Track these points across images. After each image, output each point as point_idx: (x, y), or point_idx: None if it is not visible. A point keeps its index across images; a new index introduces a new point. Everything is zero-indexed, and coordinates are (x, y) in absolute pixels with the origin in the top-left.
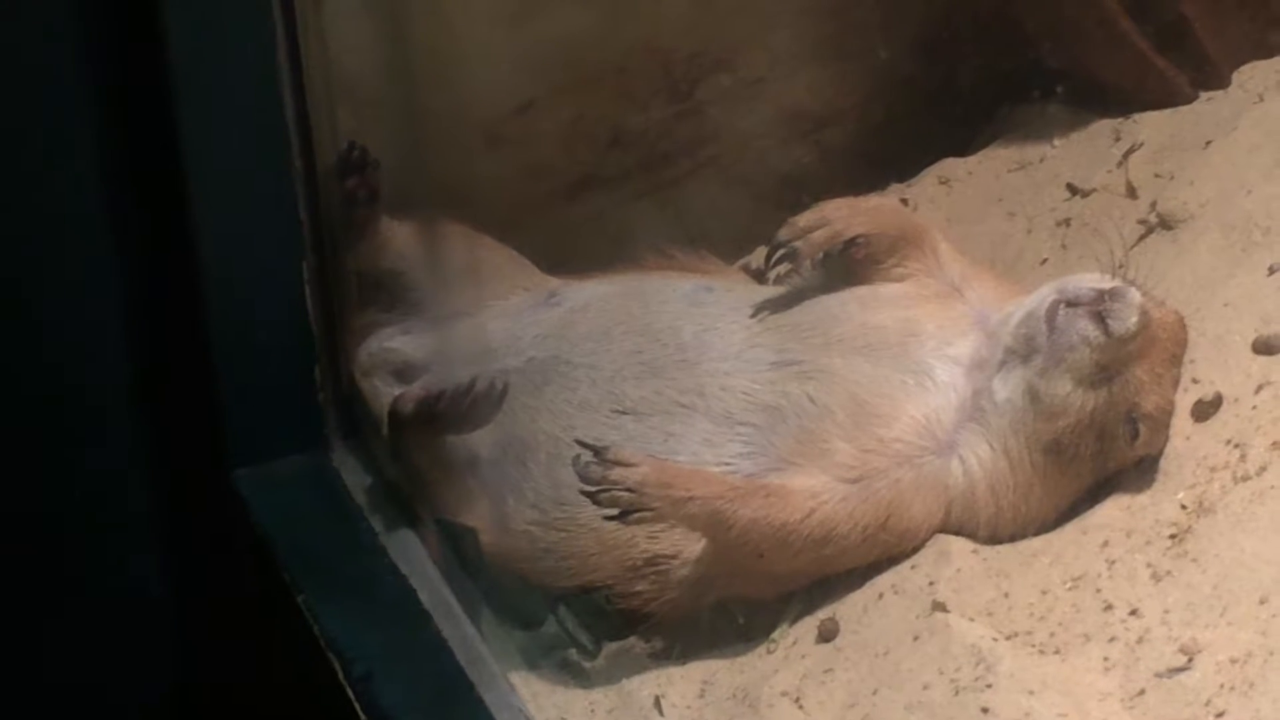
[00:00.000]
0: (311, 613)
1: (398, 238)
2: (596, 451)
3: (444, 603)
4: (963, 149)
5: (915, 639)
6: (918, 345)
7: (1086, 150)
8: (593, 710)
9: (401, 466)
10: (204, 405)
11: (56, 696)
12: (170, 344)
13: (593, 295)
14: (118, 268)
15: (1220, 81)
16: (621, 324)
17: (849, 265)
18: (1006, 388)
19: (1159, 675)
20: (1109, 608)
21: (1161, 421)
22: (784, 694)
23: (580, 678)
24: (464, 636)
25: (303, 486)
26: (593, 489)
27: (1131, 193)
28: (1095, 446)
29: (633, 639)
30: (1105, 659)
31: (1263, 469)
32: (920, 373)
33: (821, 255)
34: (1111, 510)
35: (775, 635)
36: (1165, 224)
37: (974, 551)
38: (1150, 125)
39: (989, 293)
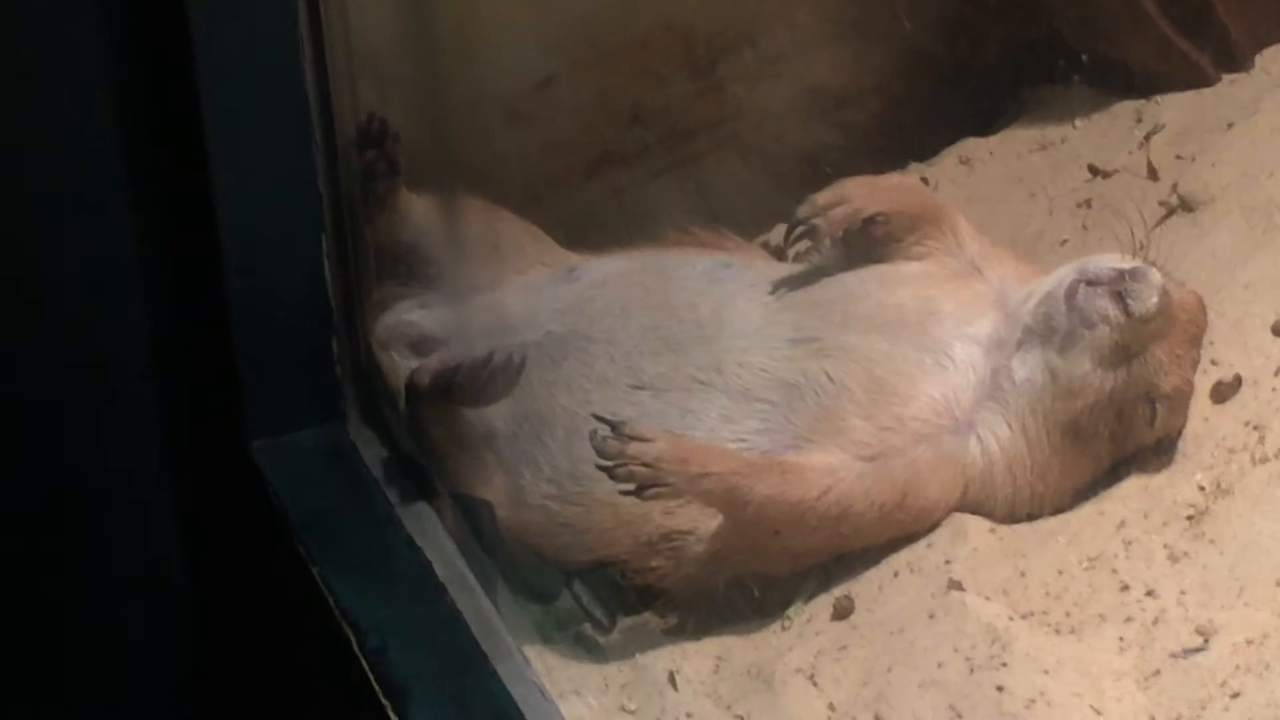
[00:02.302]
0: (326, 584)
1: (417, 211)
2: (613, 426)
3: (459, 576)
4: (984, 128)
5: (931, 617)
6: (936, 324)
7: (1108, 131)
8: (607, 684)
9: (418, 440)
10: (222, 377)
11: (73, 664)
12: (189, 316)
13: (611, 271)
14: (138, 240)
15: (1243, 64)
16: (640, 300)
17: (868, 243)
18: (1025, 367)
19: (1174, 656)
20: (1125, 588)
21: (1180, 402)
22: (798, 671)
23: (595, 652)
24: (479, 610)
25: (319, 459)
26: (609, 464)
27: (1153, 174)
28: (1113, 427)
29: (647, 614)
30: (1121, 639)
31: None
32: (939, 351)
33: (841, 233)
34: (1129, 491)
35: (790, 612)
36: (1186, 206)
37: (990, 530)
38: (1172, 107)
39: (1009, 272)
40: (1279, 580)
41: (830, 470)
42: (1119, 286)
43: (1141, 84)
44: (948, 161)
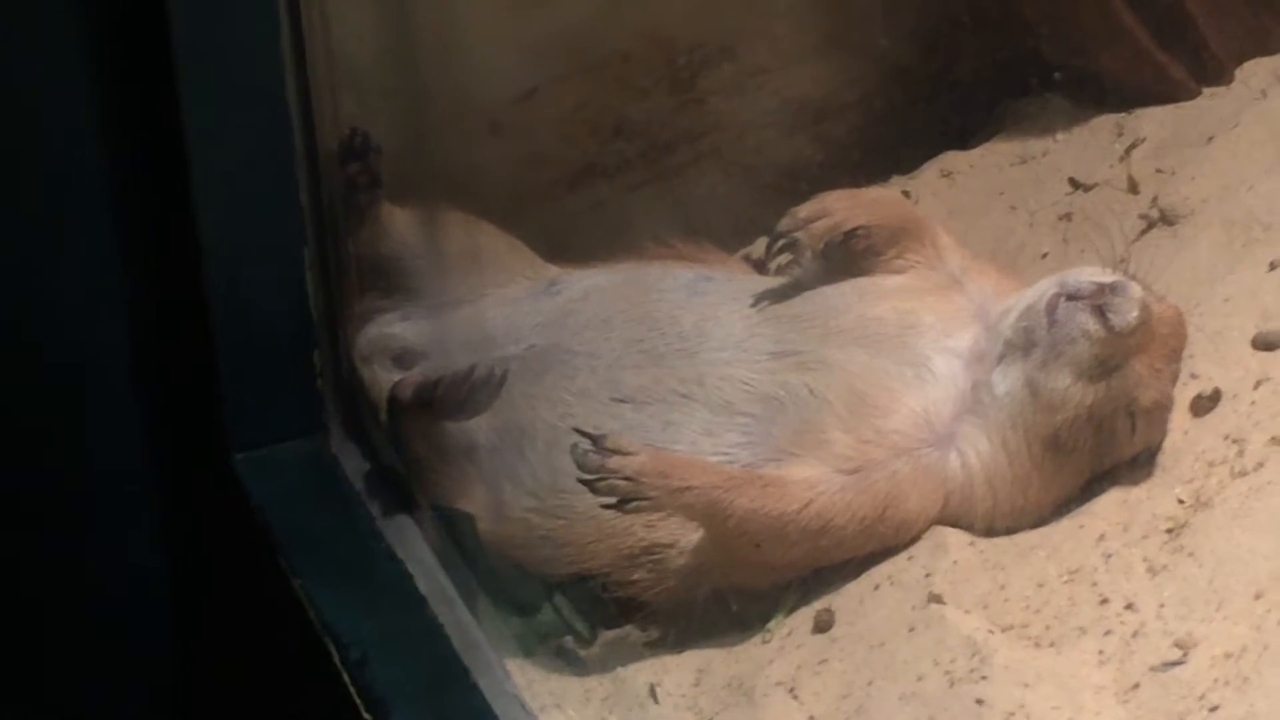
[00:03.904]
0: (308, 597)
1: (399, 224)
2: (595, 440)
3: (440, 589)
4: (965, 142)
5: (911, 630)
6: (917, 337)
7: (1089, 145)
8: (588, 697)
9: (399, 452)
10: (204, 390)
11: (56, 674)
12: (172, 329)
13: (593, 284)
14: (120, 253)
15: (1223, 77)
16: (621, 313)
17: (849, 256)
18: (1006, 380)
19: (1154, 669)
20: (1105, 601)
21: (1160, 416)
22: (779, 684)
23: (576, 665)
24: (460, 622)
25: (301, 471)
26: (590, 477)
27: (1133, 187)
28: (1093, 440)
29: (629, 627)
30: (1100, 652)
31: (1260, 464)
32: (919, 365)
33: (822, 246)
34: (1108, 504)
35: (771, 625)
36: (1166, 219)
37: (970, 544)
38: (1152, 120)
39: (989, 286)
40: (1258, 594)
41: (811, 483)
42: (1099, 300)
43: (1122, 98)
44: (929, 174)
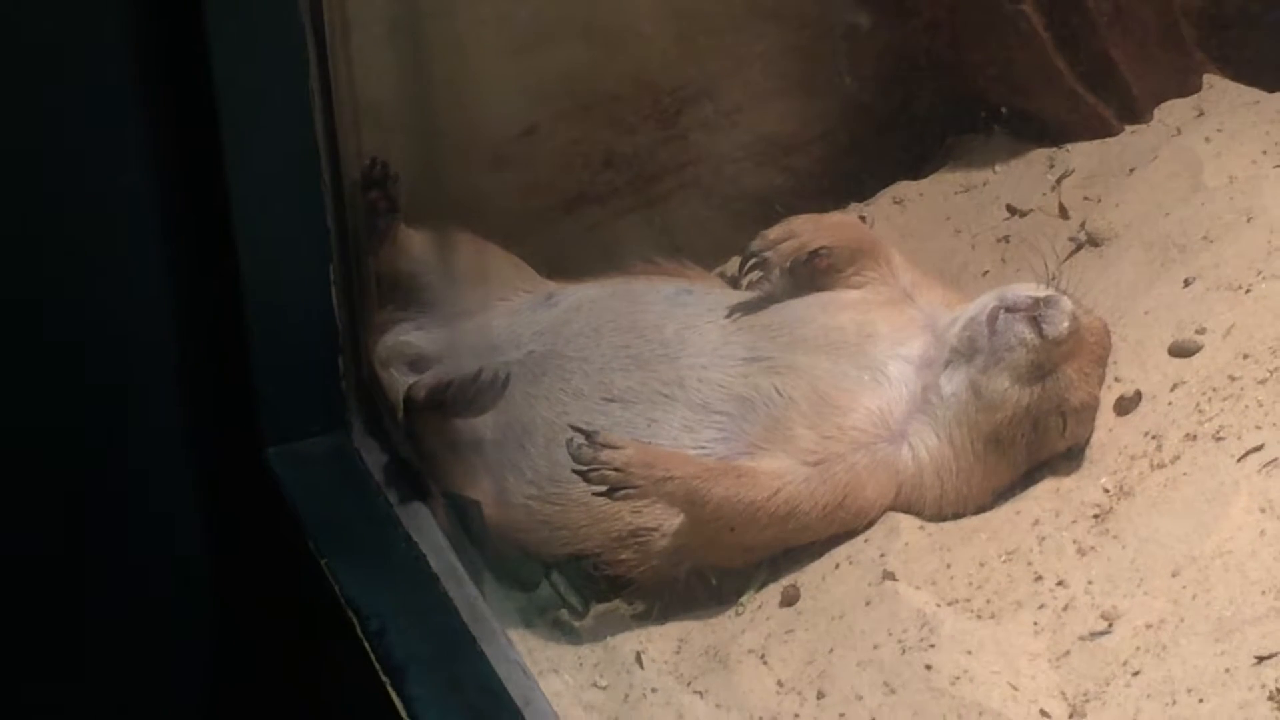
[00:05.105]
0: (333, 575)
1: (414, 244)
2: (587, 435)
3: (450, 567)
4: (915, 173)
5: (867, 604)
6: (873, 345)
7: (1024, 176)
8: (581, 664)
9: (414, 446)
10: (240, 391)
11: (108, 646)
12: (211, 336)
13: (586, 297)
14: (167, 269)
15: (1143, 116)
16: (611, 322)
17: (813, 273)
18: (952, 383)
19: (1082, 638)
20: (1039, 578)
21: (1088, 415)
22: (750, 651)
23: (570, 635)
24: (468, 597)
25: (327, 464)
26: (584, 468)
27: (1064, 214)
28: (1029, 436)
29: (617, 601)
30: (1035, 624)
31: (1176, 458)
32: (875, 369)
33: (789, 264)
34: (1042, 492)
35: (743, 599)
36: (1093, 241)
37: (920, 528)
38: (1081, 154)
39: (937, 299)
40: (1174, 572)
41: (779, 474)
42: (1035, 312)
43: (1054, 134)
44: (883, 201)
